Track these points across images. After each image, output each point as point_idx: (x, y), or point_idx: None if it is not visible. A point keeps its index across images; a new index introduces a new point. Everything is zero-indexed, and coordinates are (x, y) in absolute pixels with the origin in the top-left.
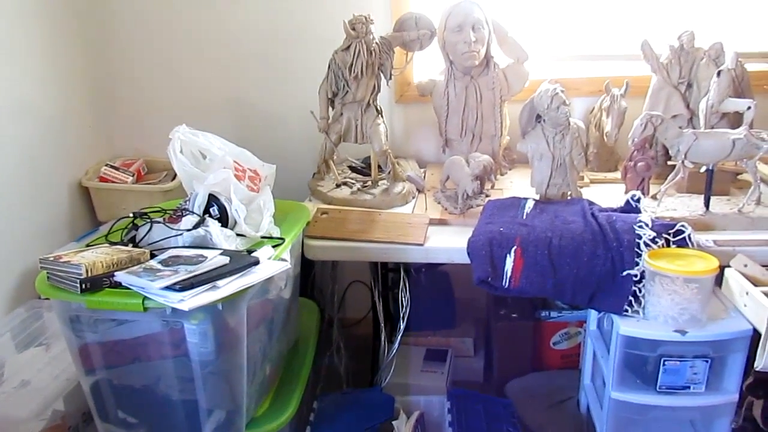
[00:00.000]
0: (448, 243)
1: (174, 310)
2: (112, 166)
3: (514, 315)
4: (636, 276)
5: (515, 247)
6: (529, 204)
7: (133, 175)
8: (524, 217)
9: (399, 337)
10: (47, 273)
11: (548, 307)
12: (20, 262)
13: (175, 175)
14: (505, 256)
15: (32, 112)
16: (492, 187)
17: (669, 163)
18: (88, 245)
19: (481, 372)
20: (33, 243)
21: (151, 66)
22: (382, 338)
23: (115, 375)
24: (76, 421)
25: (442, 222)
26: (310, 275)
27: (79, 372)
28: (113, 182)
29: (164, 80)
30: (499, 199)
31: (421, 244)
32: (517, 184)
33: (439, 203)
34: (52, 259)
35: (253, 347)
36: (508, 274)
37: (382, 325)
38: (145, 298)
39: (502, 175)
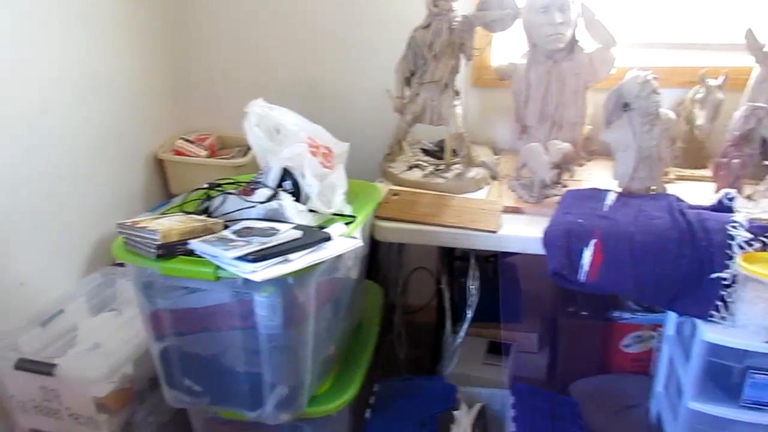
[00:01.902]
0: (522, 232)
1: (245, 280)
2: (186, 140)
3: (583, 313)
4: (726, 280)
5: (594, 241)
6: (611, 196)
7: (206, 150)
8: (605, 209)
9: (465, 327)
10: (124, 238)
11: (621, 307)
12: (97, 230)
13: (246, 151)
14: (583, 249)
15: (113, 85)
16: (570, 178)
17: (765, 163)
18: (162, 213)
19: (545, 369)
20: (109, 212)
21: (227, 43)
22: (447, 327)
23: (183, 342)
24: (142, 386)
25: (516, 210)
26: (375, 258)
27: (149, 337)
28: (187, 156)
29: (239, 57)
30: (579, 189)
31: (494, 232)
32: (596, 177)
33: (513, 191)
34: (129, 224)
35: (318, 324)
36: (585, 268)
37: (450, 313)
38: (217, 267)
39: (580, 166)
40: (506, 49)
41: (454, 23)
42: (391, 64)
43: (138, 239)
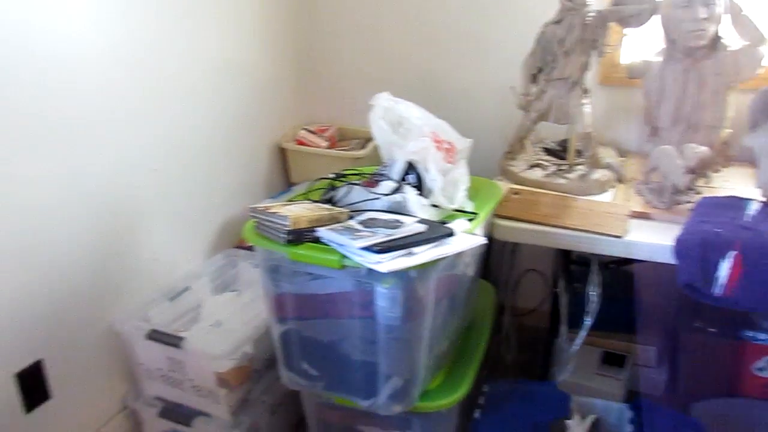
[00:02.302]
0: (651, 238)
1: (369, 270)
2: (309, 131)
3: (711, 329)
4: None
5: (734, 252)
6: (754, 206)
7: (327, 141)
8: (747, 219)
9: (583, 335)
10: (255, 222)
11: (755, 326)
12: (221, 213)
13: (365, 143)
14: (720, 261)
15: (244, 75)
16: (705, 184)
17: None
18: (289, 200)
19: (663, 386)
20: (233, 197)
21: (352, 36)
22: (562, 332)
23: (304, 327)
24: (260, 365)
25: (644, 215)
26: (487, 257)
27: (271, 319)
28: (309, 146)
29: (364, 50)
30: (715, 196)
31: (620, 237)
32: (734, 184)
33: (640, 195)
34: (261, 208)
35: (435, 319)
36: (721, 281)
37: (566, 318)
38: (342, 255)
39: (715, 172)
40: (636, 46)
41: (588, 18)
42: (516, 60)
43: (269, 224)
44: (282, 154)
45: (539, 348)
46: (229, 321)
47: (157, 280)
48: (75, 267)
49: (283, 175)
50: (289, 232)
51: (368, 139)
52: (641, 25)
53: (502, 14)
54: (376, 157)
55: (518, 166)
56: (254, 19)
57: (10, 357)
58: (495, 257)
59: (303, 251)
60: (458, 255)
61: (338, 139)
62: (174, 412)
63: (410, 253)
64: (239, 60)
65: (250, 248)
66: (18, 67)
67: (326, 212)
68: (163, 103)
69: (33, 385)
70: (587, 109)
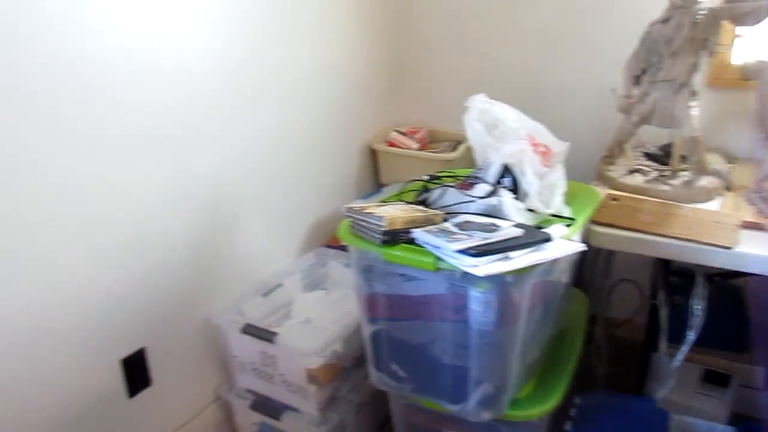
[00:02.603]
0: (764, 251)
1: (463, 274)
2: (400, 132)
3: None
4: None
5: None
6: None
7: (417, 143)
8: None
9: (685, 350)
10: (351, 222)
11: None
12: (313, 212)
13: (456, 146)
14: None
15: (338, 77)
16: None
17: None
18: (383, 201)
19: None
20: (324, 197)
21: (446, 37)
22: (661, 347)
23: (395, 328)
24: (348, 364)
25: (756, 226)
26: (580, 265)
27: (362, 319)
28: (400, 147)
29: (457, 52)
30: None
31: (730, 248)
32: None
33: (752, 204)
34: (357, 208)
35: (528, 326)
36: None
37: (665, 332)
38: (437, 258)
39: None
40: (750, 45)
41: (698, 17)
42: (616, 61)
43: (364, 224)
44: (373, 155)
45: (632, 361)
46: (318, 319)
47: (251, 276)
48: (177, 260)
49: (373, 176)
50: (385, 233)
51: (459, 142)
52: (758, 22)
53: (603, 13)
54: (467, 160)
55: (617, 171)
56: (349, 23)
57: (117, 343)
58: (588, 265)
59: (397, 252)
60: (554, 261)
61: (428, 141)
62: (264, 405)
63: (507, 258)
64: (334, 62)
65: (340, 247)
66: (142, 74)
67: (421, 214)
68: (261, 105)
69: (136, 372)
70: (695, 112)
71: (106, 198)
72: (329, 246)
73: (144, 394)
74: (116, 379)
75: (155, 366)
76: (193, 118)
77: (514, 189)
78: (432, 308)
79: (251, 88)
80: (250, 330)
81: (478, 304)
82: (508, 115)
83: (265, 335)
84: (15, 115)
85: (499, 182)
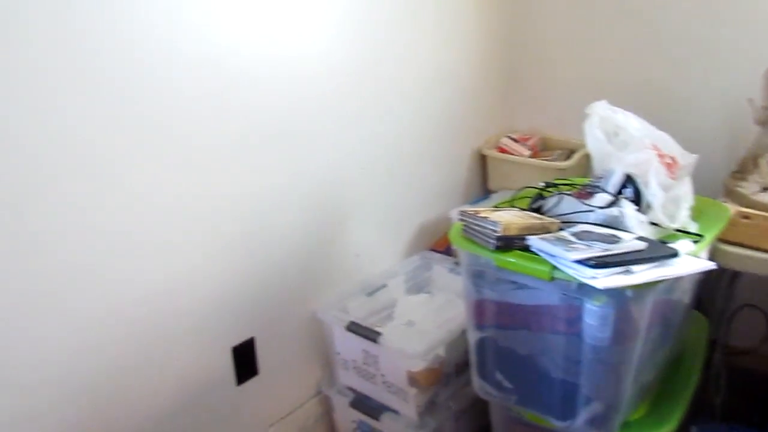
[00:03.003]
0: None
1: (580, 285)
2: (511, 139)
3: None
4: None
5: None
6: None
7: (529, 150)
8: None
9: None
10: (463, 225)
11: None
12: (419, 215)
13: (570, 154)
14: None
15: (451, 81)
16: None
17: None
18: (496, 206)
19: None
20: (431, 201)
21: (562, 43)
22: None
23: (502, 336)
24: (450, 369)
25: None
26: (702, 286)
27: (468, 325)
28: (511, 154)
29: (575, 57)
30: None
31: None
32: None
33: None
34: (471, 212)
35: (645, 345)
36: None
37: None
38: (553, 267)
39: None
40: None
41: None
42: (753, 69)
43: (478, 228)
44: (482, 161)
45: (755, 394)
46: (421, 322)
47: (356, 275)
48: (289, 254)
49: (482, 182)
50: (499, 239)
51: (573, 151)
52: None
53: (739, 17)
54: (581, 169)
55: (749, 188)
56: (465, 27)
57: (229, 331)
58: (710, 287)
59: (511, 259)
60: (678, 279)
61: (540, 149)
62: (364, 404)
63: (628, 271)
64: (448, 66)
65: (445, 251)
66: (264, 76)
67: (537, 221)
68: (375, 108)
69: (245, 360)
70: None
71: (227, 190)
72: (434, 250)
73: (251, 383)
74: (227, 366)
75: (262, 356)
76: (309, 119)
77: (636, 200)
78: (543, 319)
79: (366, 90)
80: (355, 328)
81: (594, 318)
82: (631, 123)
83: (369, 334)
84: (157, 113)
85: (620, 192)
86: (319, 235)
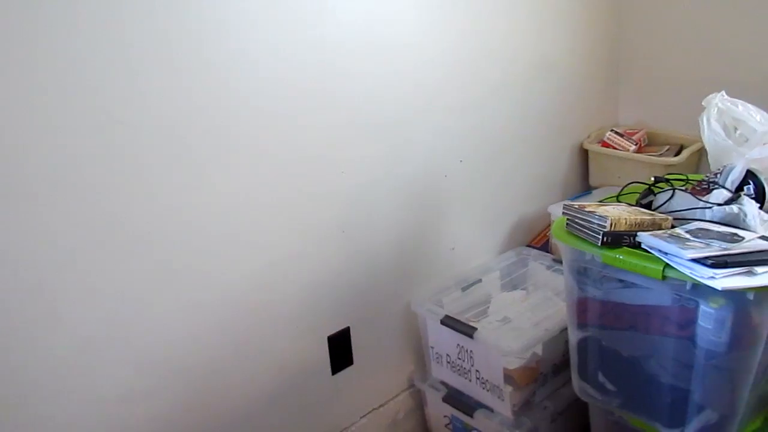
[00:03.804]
0: None
1: (693, 286)
2: (617, 133)
3: None
4: None
5: None
6: None
7: (635, 144)
8: None
9: None
10: (567, 220)
11: None
12: (516, 210)
13: (678, 150)
14: None
15: (555, 72)
16: None
17: None
18: (601, 201)
19: None
20: (529, 195)
21: (674, 33)
22: None
23: (605, 336)
24: (547, 369)
25: None
26: None
27: (570, 324)
28: (615, 149)
29: (689, 48)
30: None
31: None
32: None
33: None
34: (576, 207)
35: (765, 354)
36: None
37: None
38: (666, 265)
39: None
40: None
41: None
42: None
43: (583, 223)
44: (583, 155)
45: None
46: (517, 319)
47: (451, 269)
48: (385, 246)
49: (582, 177)
50: (606, 234)
51: (682, 146)
52: None
53: None
54: (690, 167)
55: None
56: (571, 15)
57: (326, 320)
58: None
59: (619, 255)
60: None
61: (645, 144)
62: (457, 399)
63: (751, 273)
64: (552, 57)
65: (542, 248)
66: (369, 67)
67: (647, 217)
68: (475, 98)
69: (341, 350)
70: None
71: (327, 181)
72: (531, 246)
73: (346, 372)
74: (323, 354)
75: (357, 347)
76: (409, 110)
77: (759, 198)
78: (652, 320)
79: (466, 81)
80: (450, 322)
81: (710, 321)
82: (753, 116)
83: (464, 329)
84: (262, 104)
85: (740, 189)
86: (415, 227)
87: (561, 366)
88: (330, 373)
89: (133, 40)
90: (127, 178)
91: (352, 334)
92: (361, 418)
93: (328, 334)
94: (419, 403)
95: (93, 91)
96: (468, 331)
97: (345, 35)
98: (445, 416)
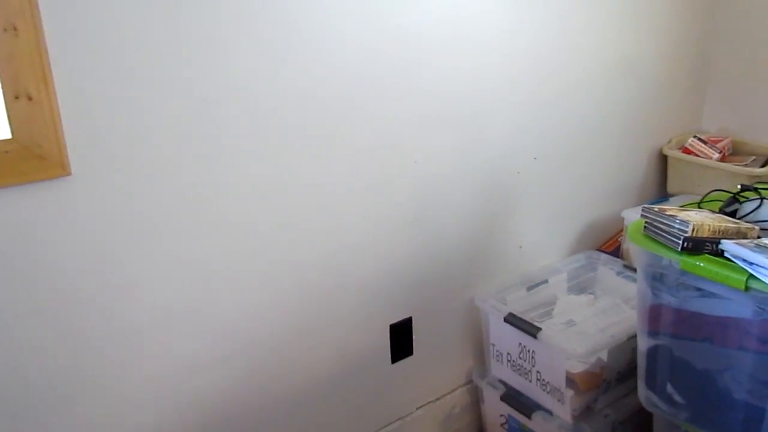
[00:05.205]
0: None
1: None
2: (700, 139)
3: None
4: None
5: None
6: None
7: (719, 153)
8: None
9: None
10: (645, 223)
11: None
12: (588, 213)
13: (765, 162)
14: None
15: (637, 73)
16: None
17: None
18: (681, 207)
19: None
20: (603, 199)
21: (766, 40)
22: None
23: (678, 346)
24: (610, 377)
25: None
26: None
27: (640, 331)
28: (696, 156)
29: None
30: None
31: None
32: None
33: None
34: (656, 209)
35: None
36: None
37: None
38: (750, 275)
39: None
40: None
41: None
42: None
43: (663, 227)
44: (662, 161)
45: None
46: (583, 323)
47: (518, 267)
48: (452, 238)
49: (660, 184)
50: (687, 239)
51: None
52: None
53: None
54: None
55: None
56: (655, 16)
57: (389, 308)
58: None
59: (699, 263)
60: None
61: (728, 153)
62: (516, 399)
63: None
64: (634, 58)
65: (613, 253)
66: (446, 62)
67: (732, 225)
68: (553, 95)
69: (402, 339)
70: None
71: (400, 171)
72: (602, 250)
73: (405, 362)
74: (384, 342)
75: (418, 337)
76: (485, 105)
77: None
78: (730, 332)
79: (543, 78)
80: (513, 320)
81: None
82: None
83: (528, 328)
84: (343, 94)
85: None
86: (484, 222)
87: (625, 375)
88: (389, 361)
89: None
90: (212, 156)
91: (413, 325)
92: (417, 409)
93: (391, 323)
94: (475, 400)
95: (184, 64)
96: (532, 330)
97: (426, 26)
98: (501, 415)
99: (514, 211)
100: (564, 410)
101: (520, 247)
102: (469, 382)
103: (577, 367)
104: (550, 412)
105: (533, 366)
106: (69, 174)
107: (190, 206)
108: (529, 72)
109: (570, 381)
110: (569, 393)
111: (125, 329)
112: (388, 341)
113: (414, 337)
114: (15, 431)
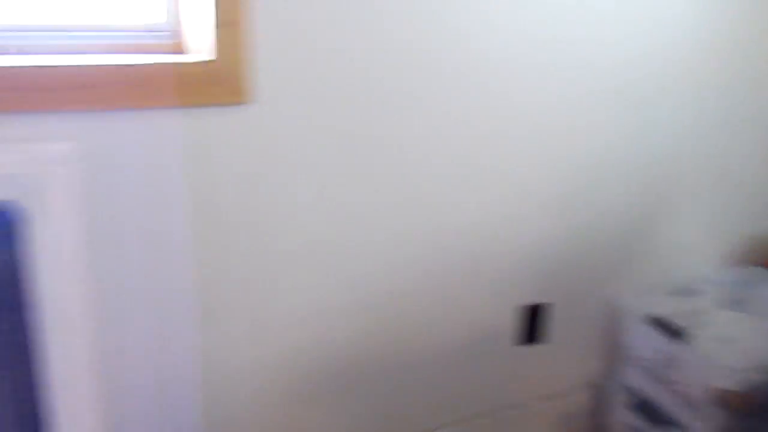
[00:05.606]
0: None
1: None
2: None
3: None
4: None
5: None
6: None
7: None
8: None
9: None
10: None
11: None
12: (752, 226)
13: None
14: None
15: None
16: None
17: None
18: None
19: None
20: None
21: None
22: None
23: None
24: (762, 401)
25: None
26: None
27: None
28: None
29: None
30: None
31: None
32: None
33: None
34: None
35: None
36: None
37: None
38: None
39: None
40: None
41: None
42: None
43: None
44: None
45: None
46: (737, 340)
47: (667, 271)
48: (603, 227)
49: None
50: None
51: None
52: None
53: None
54: None
55: None
56: None
57: (524, 290)
58: None
59: None
60: None
61: None
62: (647, 410)
63: None
64: None
65: None
66: (621, 42)
67: None
68: (735, 83)
69: (530, 324)
70: None
71: (559, 147)
72: (766, 267)
73: (531, 349)
74: (512, 324)
75: (548, 326)
76: (660, 88)
77: None
78: None
79: (733, 64)
80: (657, 323)
81: None
82: None
83: (676, 334)
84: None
85: None
86: (639, 217)
87: None
88: (515, 345)
89: None
90: (390, 103)
91: (546, 311)
92: (536, 400)
93: (522, 305)
94: (601, 403)
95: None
96: (681, 336)
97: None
98: (627, 425)
99: (669, 214)
100: (704, 428)
101: (674, 250)
102: (596, 383)
103: (729, 384)
104: (685, 429)
105: (676, 376)
106: (253, 102)
107: (357, 150)
108: (711, 56)
109: (719, 398)
110: (715, 411)
111: (269, 261)
112: (517, 324)
113: (544, 324)
114: None
